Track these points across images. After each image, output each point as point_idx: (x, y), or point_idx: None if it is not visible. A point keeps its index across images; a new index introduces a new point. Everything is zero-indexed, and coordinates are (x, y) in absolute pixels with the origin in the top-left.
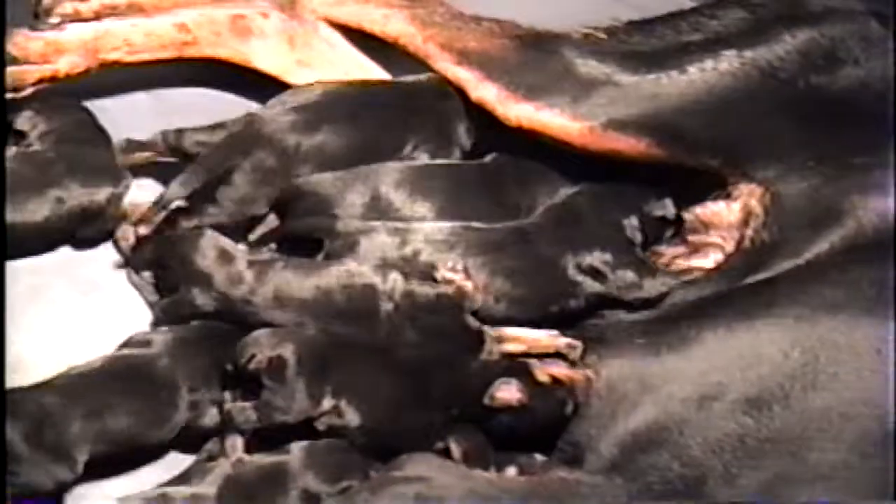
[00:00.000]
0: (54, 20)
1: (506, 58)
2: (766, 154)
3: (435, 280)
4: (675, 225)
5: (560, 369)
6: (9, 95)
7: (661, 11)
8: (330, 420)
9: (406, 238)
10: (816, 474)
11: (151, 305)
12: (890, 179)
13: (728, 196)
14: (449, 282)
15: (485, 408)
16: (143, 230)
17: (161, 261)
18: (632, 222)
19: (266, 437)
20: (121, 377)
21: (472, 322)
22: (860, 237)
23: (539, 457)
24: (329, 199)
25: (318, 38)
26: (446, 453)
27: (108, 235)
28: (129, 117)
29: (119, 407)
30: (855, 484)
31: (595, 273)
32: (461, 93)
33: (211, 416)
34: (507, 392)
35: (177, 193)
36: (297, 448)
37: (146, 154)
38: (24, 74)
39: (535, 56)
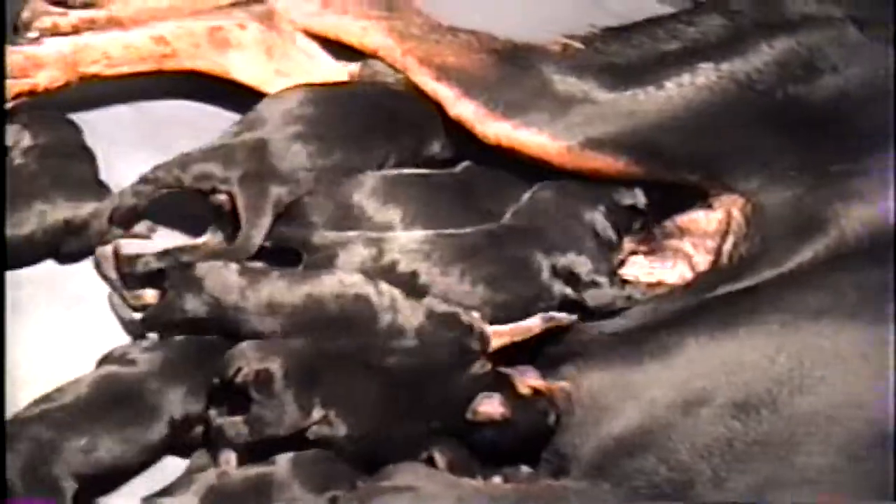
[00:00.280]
0: (33, 34)
1: (484, 75)
2: (747, 165)
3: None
4: (644, 216)
5: (540, 381)
6: None
7: (640, 17)
8: (320, 430)
9: (382, 248)
10: (804, 477)
11: (127, 324)
12: (871, 186)
13: (709, 206)
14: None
15: (467, 422)
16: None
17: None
18: (600, 217)
19: (251, 448)
20: (109, 406)
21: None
22: (843, 245)
23: (525, 468)
24: (303, 208)
25: (296, 48)
26: (430, 463)
27: (92, 250)
28: (112, 129)
29: (109, 436)
30: (842, 486)
31: (569, 276)
32: (439, 108)
33: (197, 430)
34: (490, 406)
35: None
36: (284, 459)
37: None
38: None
39: (512, 72)
